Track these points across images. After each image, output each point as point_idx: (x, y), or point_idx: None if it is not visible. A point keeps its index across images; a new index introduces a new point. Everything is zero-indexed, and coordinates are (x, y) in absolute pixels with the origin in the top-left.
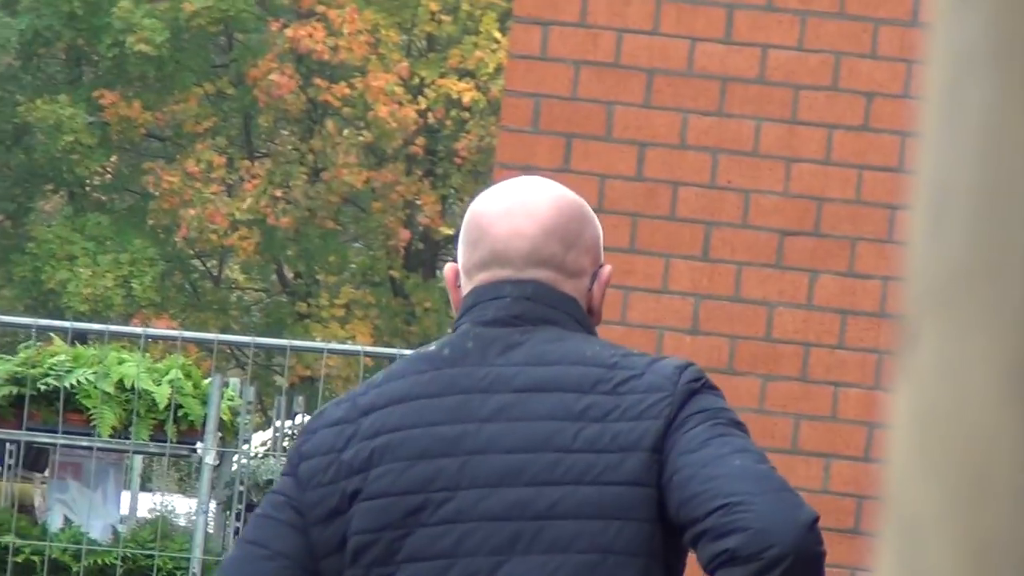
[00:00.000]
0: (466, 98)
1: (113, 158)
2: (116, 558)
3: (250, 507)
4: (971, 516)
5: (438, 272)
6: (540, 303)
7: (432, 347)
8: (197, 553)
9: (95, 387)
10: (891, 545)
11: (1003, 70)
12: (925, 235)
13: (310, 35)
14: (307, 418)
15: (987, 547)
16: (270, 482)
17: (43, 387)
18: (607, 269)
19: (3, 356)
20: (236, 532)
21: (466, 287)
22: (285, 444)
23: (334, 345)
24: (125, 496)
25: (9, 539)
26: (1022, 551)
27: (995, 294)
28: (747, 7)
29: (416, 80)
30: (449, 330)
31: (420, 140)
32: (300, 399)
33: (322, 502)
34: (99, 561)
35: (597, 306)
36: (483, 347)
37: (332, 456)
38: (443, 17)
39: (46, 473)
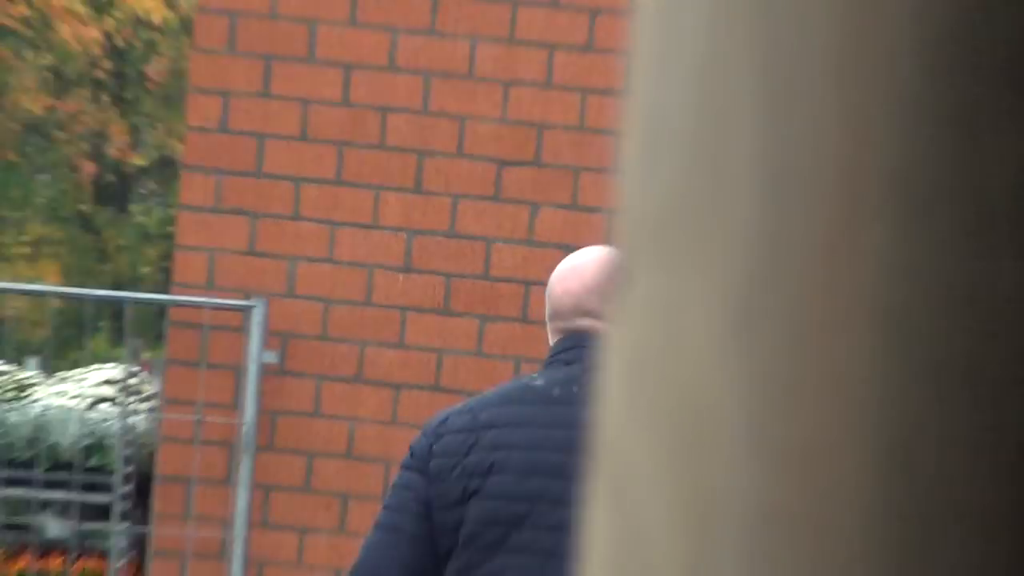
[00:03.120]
0: (156, 17)
1: None
2: None
3: None
4: (689, 468)
5: (131, 206)
6: None
7: (540, 382)
8: None
9: None
10: (604, 501)
11: None
12: (638, 163)
13: None
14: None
15: (707, 501)
16: None
17: None
18: None
19: None
20: None
21: (551, 333)
22: None
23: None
24: None
25: None
26: (745, 504)
27: (710, 226)
28: None
29: None
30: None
31: (106, 63)
32: None
33: (446, 494)
34: None
35: None
36: (583, 391)
37: (457, 459)
38: None
39: None
